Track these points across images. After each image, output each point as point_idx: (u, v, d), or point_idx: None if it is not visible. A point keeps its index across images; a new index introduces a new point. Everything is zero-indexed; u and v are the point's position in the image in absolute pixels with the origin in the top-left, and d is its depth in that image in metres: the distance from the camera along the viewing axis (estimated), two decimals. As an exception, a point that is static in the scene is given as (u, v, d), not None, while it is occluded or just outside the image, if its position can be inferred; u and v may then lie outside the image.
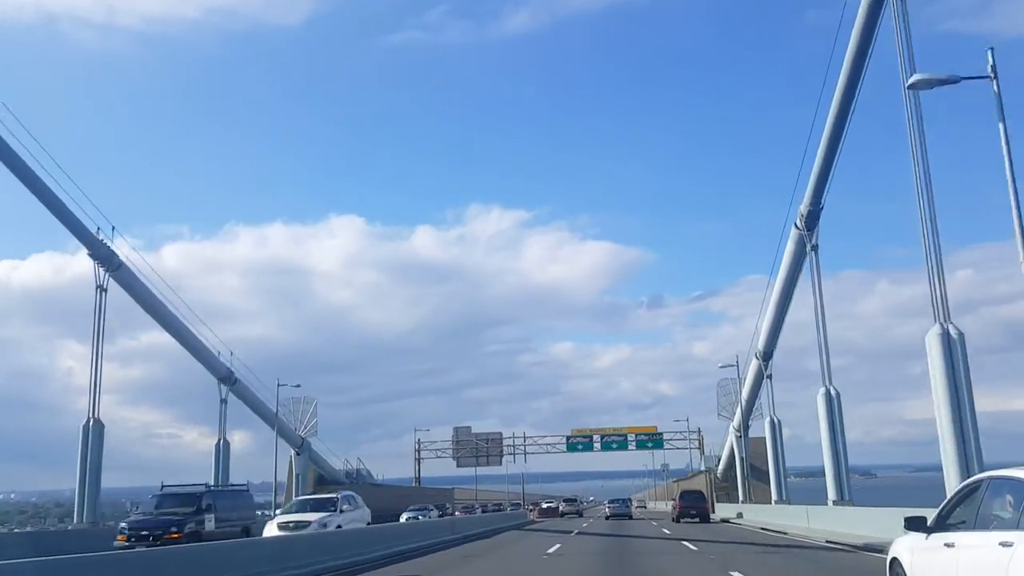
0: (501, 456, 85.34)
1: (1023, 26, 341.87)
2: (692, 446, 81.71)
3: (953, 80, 16.31)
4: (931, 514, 8.37)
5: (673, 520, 43.52)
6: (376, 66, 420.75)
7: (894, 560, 9.02)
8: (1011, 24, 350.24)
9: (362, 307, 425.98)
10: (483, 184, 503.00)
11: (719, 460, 67.56)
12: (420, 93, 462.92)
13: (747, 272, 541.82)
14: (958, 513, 7.82)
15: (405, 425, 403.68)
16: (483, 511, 66.07)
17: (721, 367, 60.71)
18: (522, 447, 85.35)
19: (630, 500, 69.15)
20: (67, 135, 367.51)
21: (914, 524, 8.29)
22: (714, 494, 61.36)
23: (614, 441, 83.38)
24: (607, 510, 58.93)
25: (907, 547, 8.58)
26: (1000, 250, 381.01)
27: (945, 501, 8.42)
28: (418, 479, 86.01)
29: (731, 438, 59.95)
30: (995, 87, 16.25)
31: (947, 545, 7.31)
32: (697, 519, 42.06)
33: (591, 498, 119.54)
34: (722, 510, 51.90)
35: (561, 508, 68.95)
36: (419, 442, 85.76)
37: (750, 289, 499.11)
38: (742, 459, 55.38)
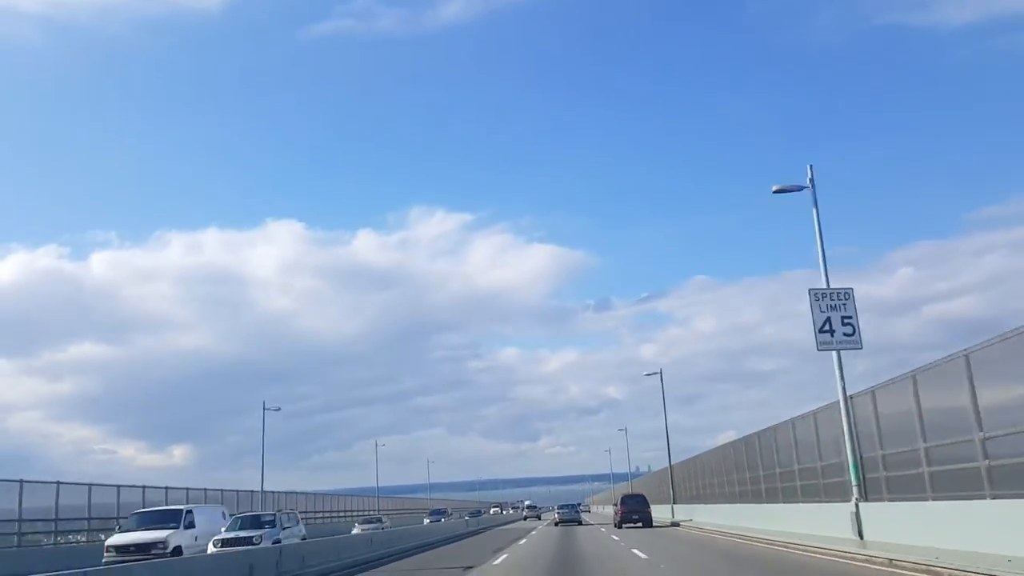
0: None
1: (962, 18, 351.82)
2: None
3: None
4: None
5: (615, 526, 42.86)
6: (306, 57, 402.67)
7: None
8: (950, 16, 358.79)
9: (302, 315, 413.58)
10: (425, 186, 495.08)
11: None
12: (355, 88, 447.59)
13: (695, 273, 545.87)
14: None
15: (352, 436, 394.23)
16: None
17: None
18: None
19: (579, 505, 66.55)
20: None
21: None
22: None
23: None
24: (556, 516, 55.96)
25: None
26: (939, 248, 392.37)
27: None
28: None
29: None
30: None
31: None
32: (640, 524, 41.46)
33: (527, 502, 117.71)
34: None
35: (524, 512, 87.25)
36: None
37: (698, 290, 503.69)
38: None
